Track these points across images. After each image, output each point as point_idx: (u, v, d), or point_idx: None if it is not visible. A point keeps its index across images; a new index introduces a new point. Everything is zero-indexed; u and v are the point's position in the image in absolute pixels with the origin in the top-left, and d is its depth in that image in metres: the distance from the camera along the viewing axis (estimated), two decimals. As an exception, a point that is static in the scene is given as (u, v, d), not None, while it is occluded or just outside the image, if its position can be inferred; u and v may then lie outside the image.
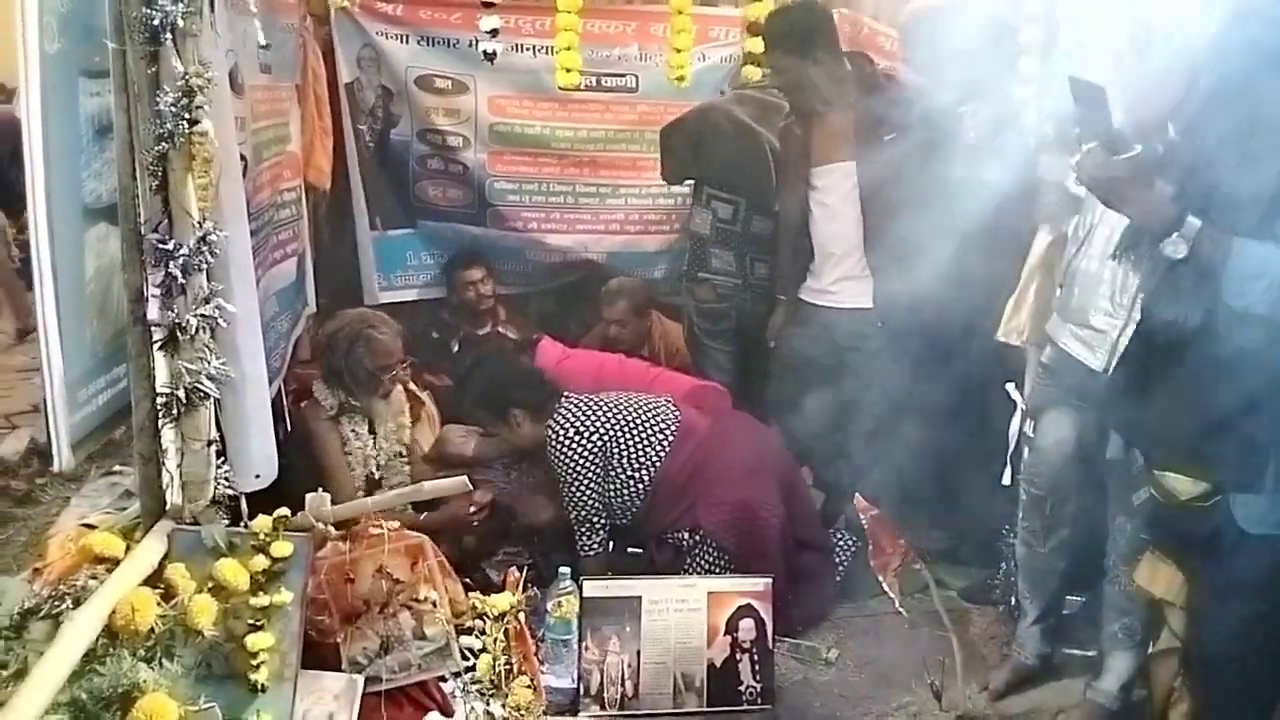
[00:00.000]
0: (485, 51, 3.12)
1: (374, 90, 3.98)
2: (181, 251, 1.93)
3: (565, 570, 2.67)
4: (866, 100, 3.11)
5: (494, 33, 3.07)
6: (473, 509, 3.05)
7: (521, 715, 2.36)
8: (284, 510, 2.16)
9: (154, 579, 1.97)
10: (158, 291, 1.96)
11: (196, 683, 1.92)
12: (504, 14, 3.23)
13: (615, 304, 3.93)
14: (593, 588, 2.58)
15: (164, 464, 2.07)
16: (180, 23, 1.87)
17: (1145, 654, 2.38)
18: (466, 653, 2.48)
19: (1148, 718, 2.34)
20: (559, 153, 4.18)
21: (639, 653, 2.56)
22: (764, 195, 3.50)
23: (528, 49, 3.97)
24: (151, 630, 1.86)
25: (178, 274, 1.93)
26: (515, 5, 3.88)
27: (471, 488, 2.73)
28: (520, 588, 2.55)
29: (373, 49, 3.92)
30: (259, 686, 1.99)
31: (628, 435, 2.97)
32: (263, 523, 2.11)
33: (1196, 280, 1.78)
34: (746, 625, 2.60)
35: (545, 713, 2.43)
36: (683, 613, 2.60)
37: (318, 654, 2.27)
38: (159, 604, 1.90)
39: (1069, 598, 2.79)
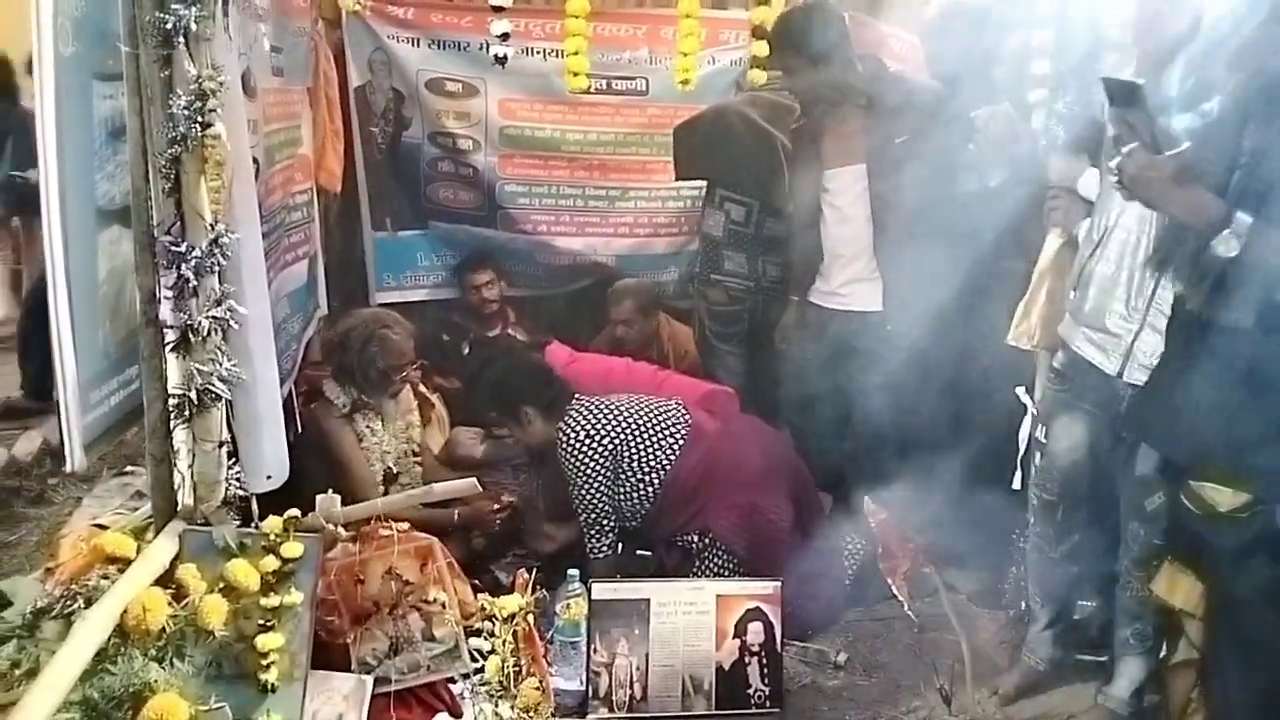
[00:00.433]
0: (497, 56, 3.12)
1: (385, 93, 3.99)
2: (194, 254, 1.95)
3: (574, 572, 2.68)
4: (878, 103, 3.11)
5: (505, 36, 3.08)
6: (495, 507, 3.07)
7: (530, 717, 2.36)
8: (294, 511, 2.17)
9: (165, 579, 1.98)
10: (170, 293, 1.98)
11: (207, 682, 1.94)
12: (514, 18, 3.22)
13: (622, 304, 3.96)
14: (601, 590, 2.58)
15: (176, 465, 2.08)
16: (193, 27, 1.89)
17: (1157, 660, 2.36)
18: (475, 654, 2.50)
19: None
20: (569, 156, 4.18)
21: (647, 655, 2.55)
22: (777, 197, 3.50)
23: (538, 52, 3.98)
24: (162, 630, 1.88)
25: (190, 276, 1.95)
26: (526, 9, 3.89)
27: (481, 489, 2.74)
28: (529, 590, 2.56)
29: (384, 52, 3.93)
30: (269, 687, 2.00)
31: (638, 438, 2.97)
32: (273, 524, 2.12)
33: (1249, 279, 1.69)
34: (755, 628, 2.60)
35: (553, 714, 2.43)
36: (691, 615, 2.59)
37: (327, 655, 2.28)
38: (170, 604, 1.92)
39: (1080, 603, 2.77)
